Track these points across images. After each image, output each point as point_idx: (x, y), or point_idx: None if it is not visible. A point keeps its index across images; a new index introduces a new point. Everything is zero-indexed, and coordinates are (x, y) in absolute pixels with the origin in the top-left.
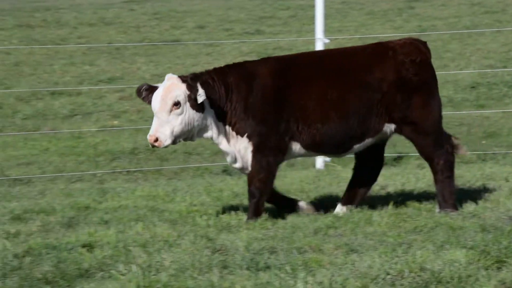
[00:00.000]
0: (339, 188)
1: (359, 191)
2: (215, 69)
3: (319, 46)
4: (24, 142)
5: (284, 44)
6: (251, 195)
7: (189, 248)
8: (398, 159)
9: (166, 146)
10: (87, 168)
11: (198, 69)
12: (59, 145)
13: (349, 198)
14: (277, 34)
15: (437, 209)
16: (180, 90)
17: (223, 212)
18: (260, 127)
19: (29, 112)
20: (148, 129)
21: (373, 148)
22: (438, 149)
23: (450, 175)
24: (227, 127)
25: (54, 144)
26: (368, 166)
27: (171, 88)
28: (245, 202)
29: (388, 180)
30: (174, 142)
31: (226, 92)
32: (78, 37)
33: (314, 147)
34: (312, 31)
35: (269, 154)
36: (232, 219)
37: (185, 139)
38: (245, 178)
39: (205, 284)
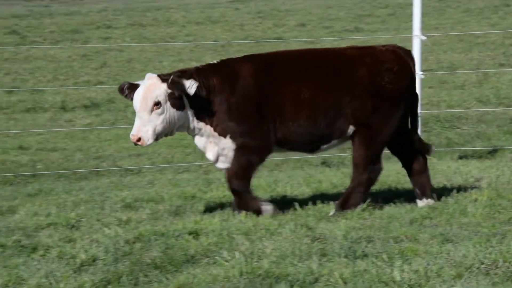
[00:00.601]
0: (435, 179)
1: (423, 182)
2: (197, 69)
3: (416, 43)
4: None
5: (382, 41)
6: (233, 192)
7: (289, 236)
8: (493, 152)
9: (149, 145)
10: (194, 159)
11: None
12: (167, 137)
13: (420, 192)
14: (375, 31)
15: (331, 212)
16: (160, 90)
17: (322, 202)
18: (242, 127)
19: None
20: None
21: (406, 141)
22: (370, 163)
23: (364, 191)
24: (208, 127)
25: None
26: (413, 158)
27: (151, 88)
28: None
29: (483, 173)
30: (156, 139)
31: (208, 93)
32: (186, 35)
33: (286, 144)
34: (410, 29)
35: (252, 153)
36: (331, 209)
37: (165, 135)
38: (343, 170)
39: (305, 271)
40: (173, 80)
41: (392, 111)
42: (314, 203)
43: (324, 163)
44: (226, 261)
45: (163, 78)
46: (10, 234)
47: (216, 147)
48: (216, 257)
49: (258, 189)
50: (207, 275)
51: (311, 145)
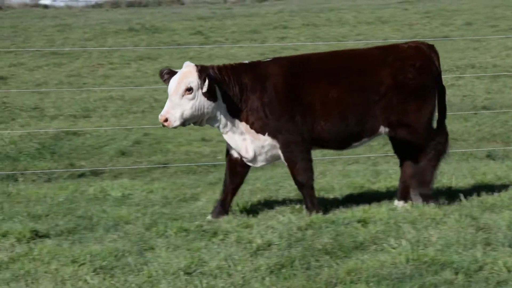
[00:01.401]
0: None
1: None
2: (232, 66)
3: None
4: None
5: None
6: (299, 186)
7: (454, 225)
8: None
9: (175, 127)
10: (363, 151)
11: (465, 62)
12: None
13: (402, 193)
14: None
15: (412, 195)
16: (193, 77)
17: (486, 193)
18: (278, 124)
19: None
20: None
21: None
22: (432, 139)
23: (435, 164)
24: (243, 123)
25: None
26: (410, 162)
27: (186, 74)
28: (508, 184)
29: None
30: (183, 124)
31: (241, 91)
32: (357, 34)
33: (318, 143)
34: None
35: (297, 145)
36: (496, 200)
37: (194, 123)
38: (508, 163)
39: (469, 259)
40: (200, 74)
41: (422, 107)
42: (479, 195)
43: (489, 156)
44: (393, 248)
45: (199, 68)
46: (193, 220)
47: (252, 145)
48: (384, 244)
49: None
50: (375, 261)
51: (343, 143)
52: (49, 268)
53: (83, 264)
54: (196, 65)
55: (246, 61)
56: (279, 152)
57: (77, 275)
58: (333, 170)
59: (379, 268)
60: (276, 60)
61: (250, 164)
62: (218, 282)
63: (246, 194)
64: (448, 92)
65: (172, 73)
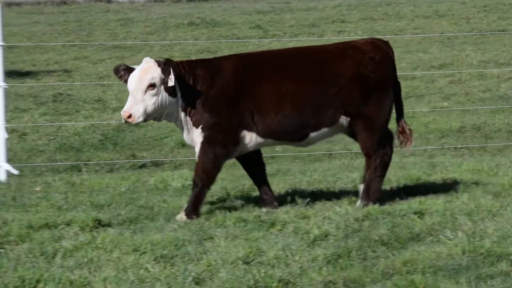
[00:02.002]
0: None
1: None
2: (188, 61)
3: None
4: None
5: None
6: (193, 184)
7: (511, 218)
8: None
9: (138, 123)
10: (419, 144)
11: None
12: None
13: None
14: None
15: (358, 202)
16: (156, 73)
17: None
18: (213, 119)
19: None
20: (475, 110)
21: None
22: (379, 148)
23: (382, 175)
24: (187, 117)
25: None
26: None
27: (148, 70)
28: None
29: None
30: (145, 120)
31: (193, 83)
32: (414, 28)
33: (271, 135)
34: None
35: (218, 147)
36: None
37: (154, 119)
38: None
39: None
40: (163, 68)
41: (382, 98)
42: None
43: None
44: (449, 239)
45: (159, 63)
46: (251, 210)
47: (197, 139)
48: (440, 236)
49: (480, 172)
50: (431, 252)
51: (299, 134)
52: (111, 256)
53: (144, 252)
54: (158, 61)
55: (204, 58)
56: (198, 145)
57: (139, 263)
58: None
59: (435, 259)
60: (230, 56)
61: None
62: (275, 272)
63: (304, 185)
64: (505, 85)
65: (129, 69)
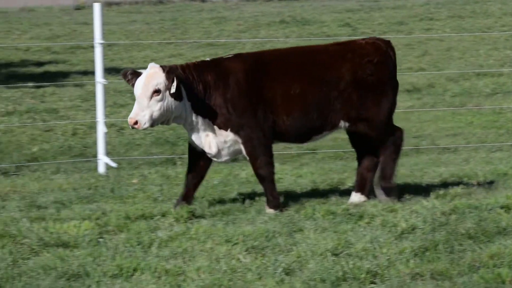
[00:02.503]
0: None
1: (367, 179)
2: (194, 65)
3: None
4: (452, 116)
5: None
6: (260, 179)
7: None
8: None
9: (145, 129)
10: (506, 139)
11: None
12: (482, 119)
13: (360, 186)
14: None
15: (377, 191)
16: (161, 79)
17: None
18: (240, 120)
19: (457, 90)
20: None
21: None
22: (390, 134)
23: (396, 158)
24: (206, 120)
25: (478, 118)
26: (367, 155)
27: (153, 75)
28: None
29: None
30: (152, 125)
31: (204, 89)
32: (501, 26)
33: (279, 137)
34: None
35: (259, 140)
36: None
37: (162, 123)
38: None
39: None
40: (167, 75)
41: (380, 100)
42: None
43: None
44: None
45: (164, 69)
46: (339, 203)
47: (215, 140)
48: None
49: None
50: None
51: (304, 136)
52: (204, 246)
53: (236, 243)
54: (163, 66)
55: (208, 59)
56: (241, 147)
57: (231, 254)
58: (477, 157)
59: None
60: (237, 57)
61: (214, 159)
62: (364, 263)
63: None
64: None
65: (136, 74)
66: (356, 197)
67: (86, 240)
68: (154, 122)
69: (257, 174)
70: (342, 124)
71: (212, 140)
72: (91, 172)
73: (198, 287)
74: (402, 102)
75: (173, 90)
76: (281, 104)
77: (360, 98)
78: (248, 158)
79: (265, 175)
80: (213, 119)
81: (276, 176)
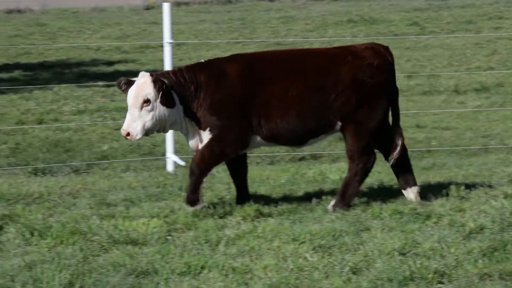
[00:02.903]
0: None
1: (406, 173)
2: (187, 67)
3: None
4: None
5: None
6: (190, 172)
7: None
8: None
9: (138, 139)
10: None
11: None
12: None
13: (404, 183)
14: None
15: (330, 204)
16: (149, 89)
17: None
18: (222, 121)
19: None
20: None
21: (387, 134)
22: (364, 154)
23: (361, 181)
24: (193, 123)
25: None
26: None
27: (142, 86)
28: None
29: None
30: (146, 134)
31: (195, 90)
32: None
33: (274, 140)
34: None
35: (226, 146)
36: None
37: (157, 131)
38: None
39: None
40: (155, 83)
41: (376, 104)
42: None
43: None
44: None
45: (153, 77)
46: (407, 202)
47: (202, 144)
48: None
49: None
50: None
51: (300, 140)
52: (271, 245)
53: (303, 242)
54: (152, 75)
55: (203, 60)
56: (204, 140)
57: (298, 253)
58: None
59: None
60: (233, 57)
61: None
62: (431, 263)
63: (459, 179)
64: None
65: (129, 83)
66: (410, 194)
67: (154, 238)
68: (147, 132)
69: (191, 166)
70: (338, 125)
71: (200, 145)
72: (160, 171)
73: (265, 285)
74: (471, 101)
75: (159, 100)
76: (275, 107)
77: (357, 101)
78: (198, 151)
79: (197, 173)
80: (199, 120)
81: (344, 175)
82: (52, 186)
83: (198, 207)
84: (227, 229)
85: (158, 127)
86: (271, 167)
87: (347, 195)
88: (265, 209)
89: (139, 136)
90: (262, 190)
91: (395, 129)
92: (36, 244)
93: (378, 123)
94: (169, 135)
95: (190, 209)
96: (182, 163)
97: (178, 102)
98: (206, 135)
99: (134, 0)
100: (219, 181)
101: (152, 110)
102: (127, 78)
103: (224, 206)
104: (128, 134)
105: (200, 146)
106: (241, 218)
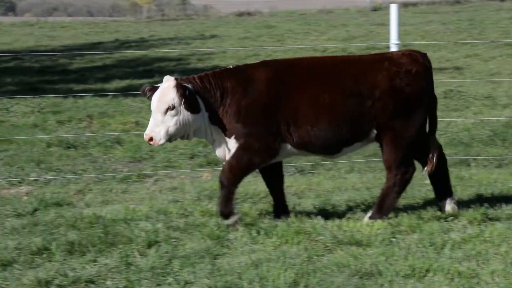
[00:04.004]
0: None
1: (443, 183)
2: (214, 72)
3: None
4: None
5: None
6: (220, 184)
7: None
8: None
9: (161, 145)
10: None
11: None
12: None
13: (442, 193)
14: None
15: (367, 216)
16: (174, 93)
17: None
18: (249, 129)
19: None
20: None
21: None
22: (402, 164)
23: (399, 191)
24: (219, 130)
25: None
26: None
27: (166, 90)
28: None
29: None
30: (169, 140)
31: (221, 96)
32: None
33: (305, 147)
34: None
35: (254, 155)
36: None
37: (181, 137)
38: None
39: None
40: (179, 88)
41: (414, 112)
42: None
43: None
44: None
45: (177, 83)
46: None
47: (229, 153)
48: None
49: None
50: None
51: (334, 148)
52: (499, 250)
53: None
54: (176, 79)
55: (231, 66)
56: (231, 150)
57: None
58: None
59: None
60: (262, 64)
61: None
62: None
63: None
64: None
65: (154, 89)
66: (448, 205)
67: (378, 239)
68: (170, 138)
69: (221, 179)
70: (373, 133)
71: (227, 154)
72: (384, 172)
73: None
74: None
75: (183, 106)
76: (306, 114)
77: (395, 108)
78: (226, 161)
79: (227, 184)
80: (225, 128)
81: (493, 181)
82: None
83: (233, 219)
84: (453, 233)
85: (182, 133)
86: (499, 170)
87: (385, 207)
88: (492, 213)
89: (162, 141)
90: (489, 194)
91: (431, 140)
92: (262, 243)
93: (416, 132)
94: None
95: (225, 222)
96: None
97: (204, 108)
98: (232, 144)
99: (361, 2)
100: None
101: (176, 115)
102: (151, 85)
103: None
104: (151, 139)
105: (227, 155)
106: (467, 222)
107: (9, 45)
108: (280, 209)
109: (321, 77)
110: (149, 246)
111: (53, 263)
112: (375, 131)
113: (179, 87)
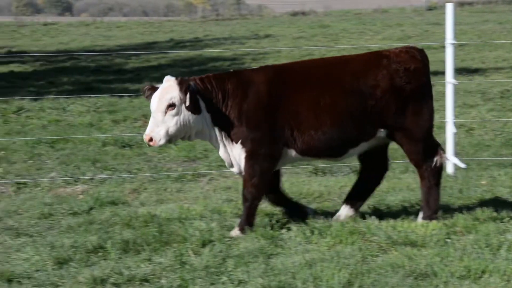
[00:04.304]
0: None
1: (361, 194)
2: (214, 75)
3: None
4: None
5: None
6: (244, 199)
7: None
8: None
9: (161, 145)
10: None
11: None
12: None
13: (351, 200)
14: None
15: (420, 216)
16: (175, 92)
17: None
18: (253, 134)
19: None
20: None
21: (376, 152)
22: (427, 156)
23: (437, 183)
24: (223, 133)
25: None
26: (373, 170)
27: (167, 89)
28: None
29: None
30: (169, 141)
31: (223, 97)
32: None
33: (308, 152)
34: None
35: (262, 161)
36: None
37: (182, 138)
38: None
39: None
40: (181, 88)
41: (420, 107)
42: None
43: None
44: None
45: (179, 81)
46: None
47: (234, 156)
48: None
49: None
50: None
51: (339, 150)
52: None
53: None
54: (178, 79)
55: (232, 70)
56: (242, 160)
57: None
58: None
59: None
60: (262, 68)
61: (240, 176)
62: None
63: None
64: None
65: (153, 89)
66: (344, 210)
67: (433, 240)
68: (171, 138)
69: (244, 192)
70: (381, 133)
71: (232, 157)
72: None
73: None
74: None
75: (187, 102)
76: (308, 118)
77: (398, 106)
78: (243, 173)
79: (250, 199)
80: (228, 131)
81: None
82: (332, 185)
83: (242, 234)
84: (509, 234)
85: (182, 134)
86: None
87: (431, 202)
88: None
89: (162, 141)
90: None
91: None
92: (316, 243)
93: (429, 124)
94: (450, 137)
95: (232, 233)
96: (462, 165)
97: (205, 109)
98: (237, 149)
99: (416, 1)
100: (501, 184)
101: (177, 114)
102: (150, 84)
103: (506, 209)
104: (151, 139)
105: (232, 158)
106: None
107: (65, 45)
108: (296, 210)
109: (321, 79)
110: (203, 245)
111: (108, 261)
112: (382, 130)
113: (183, 83)
